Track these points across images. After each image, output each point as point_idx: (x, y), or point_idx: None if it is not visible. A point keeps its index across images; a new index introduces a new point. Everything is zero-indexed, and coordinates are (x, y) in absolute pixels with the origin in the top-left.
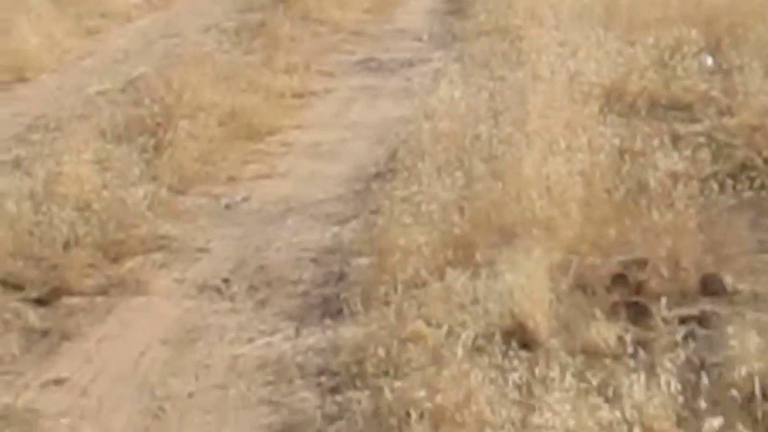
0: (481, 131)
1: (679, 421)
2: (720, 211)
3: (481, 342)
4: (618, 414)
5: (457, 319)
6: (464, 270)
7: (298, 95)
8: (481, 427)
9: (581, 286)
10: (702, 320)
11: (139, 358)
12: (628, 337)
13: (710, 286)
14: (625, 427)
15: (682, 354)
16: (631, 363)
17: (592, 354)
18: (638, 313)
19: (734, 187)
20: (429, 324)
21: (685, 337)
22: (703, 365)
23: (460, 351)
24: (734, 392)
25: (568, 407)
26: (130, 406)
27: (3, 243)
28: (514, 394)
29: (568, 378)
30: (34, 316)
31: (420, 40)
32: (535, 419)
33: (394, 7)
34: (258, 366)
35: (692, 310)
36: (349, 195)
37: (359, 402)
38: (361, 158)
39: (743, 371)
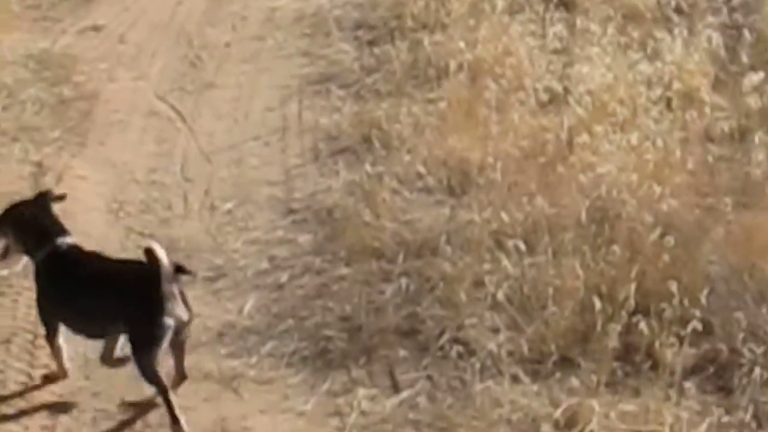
0: None
1: (717, 81)
2: None
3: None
4: (659, 66)
5: None
6: None
7: None
8: (520, 78)
9: None
10: None
11: (176, 8)
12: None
13: None
14: (665, 80)
15: (721, 15)
16: (672, 22)
17: (630, 16)
18: None
19: None
20: None
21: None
22: (743, 26)
23: (500, 4)
24: None
25: (607, 60)
26: (168, 53)
27: None
28: (554, 45)
29: (609, 32)
30: None
31: None
32: (574, 72)
33: None
34: (295, 18)
35: None
36: None
37: (397, 54)
38: None
39: None
